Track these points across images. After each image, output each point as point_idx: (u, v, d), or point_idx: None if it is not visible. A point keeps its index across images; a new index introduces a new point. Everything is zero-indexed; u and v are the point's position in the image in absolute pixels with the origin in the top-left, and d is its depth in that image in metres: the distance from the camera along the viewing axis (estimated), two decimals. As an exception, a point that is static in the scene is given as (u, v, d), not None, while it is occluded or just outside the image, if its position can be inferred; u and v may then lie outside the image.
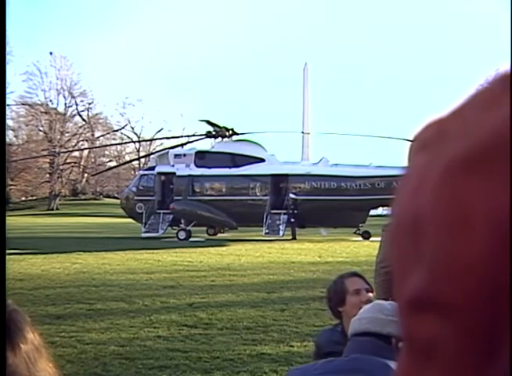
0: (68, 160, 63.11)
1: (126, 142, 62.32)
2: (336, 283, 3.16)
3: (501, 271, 0.35)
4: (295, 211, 24.38)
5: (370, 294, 3.13)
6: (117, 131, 65.97)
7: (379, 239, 5.10)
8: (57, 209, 56.84)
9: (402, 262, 0.41)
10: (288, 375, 1.14)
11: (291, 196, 24.75)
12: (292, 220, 24.51)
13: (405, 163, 0.44)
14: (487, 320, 0.36)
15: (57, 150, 56.88)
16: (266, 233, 24.47)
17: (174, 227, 25.78)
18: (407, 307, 0.40)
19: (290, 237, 24.23)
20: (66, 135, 62.88)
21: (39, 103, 61.58)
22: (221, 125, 27.23)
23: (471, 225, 0.36)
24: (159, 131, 61.54)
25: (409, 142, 0.45)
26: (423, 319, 0.38)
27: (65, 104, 63.16)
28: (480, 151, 0.36)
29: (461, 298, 0.36)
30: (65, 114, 63.06)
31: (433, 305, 0.38)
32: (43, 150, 56.94)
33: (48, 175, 61.11)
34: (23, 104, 60.61)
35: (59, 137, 60.58)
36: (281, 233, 24.35)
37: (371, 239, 22.59)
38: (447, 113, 0.41)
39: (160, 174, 26.50)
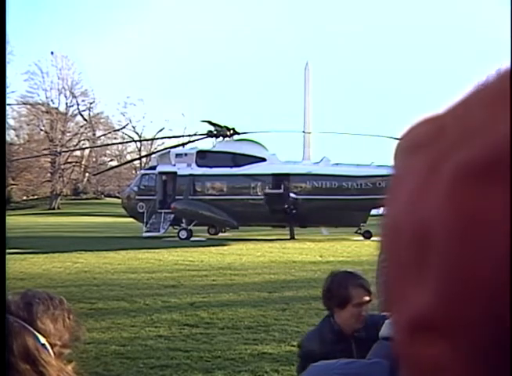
0: (69, 160, 63.19)
1: (127, 142, 62.26)
2: (340, 285, 3.05)
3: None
4: (293, 211, 24.34)
5: (368, 305, 3.08)
6: (118, 130, 65.98)
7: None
8: (58, 208, 56.88)
9: (401, 278, 0.36)
10: (310, 369, 1.12)
11: (292, 195, 24.72)
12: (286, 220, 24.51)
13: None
14: (496, 343, 0.32)
15: (58, 149, 56.91)
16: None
17: (175, 227, 25.75)
18: (409, 327, 0.35)
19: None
20: (68, 134, 62.95)
21: (40, 102, 61.63)
22: (222, 125, 27.19)
23: (488, 240, 0.31)
24: (160, 130, 61.58)
25: (396, 141, 0.40)
26: (428, 341, 0.34)
27: (66, 104, 63.31)
28: (494, 159, 0.32)
29: (474, 320, 0.32)
30: (66, 114, 63.12)
31: (441, 328, 0.33)
32: (44, 149, 56.90)
33: (49, 175, 61.16)
34: (24, 104, 60.61)
35: (60, 136, 60.60)
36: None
37: (372, 238, 22.63)
38: (443, 111, 0.37)
39: (161, 173, 26.46)
